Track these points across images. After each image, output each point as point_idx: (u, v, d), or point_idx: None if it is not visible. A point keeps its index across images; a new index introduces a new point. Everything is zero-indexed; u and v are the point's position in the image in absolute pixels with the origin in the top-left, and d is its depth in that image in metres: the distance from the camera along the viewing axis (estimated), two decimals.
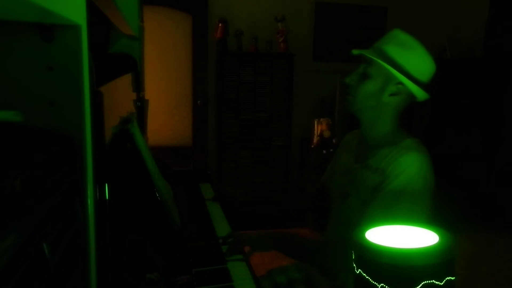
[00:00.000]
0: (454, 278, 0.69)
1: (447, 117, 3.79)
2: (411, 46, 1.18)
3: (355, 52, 1.22)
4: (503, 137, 3.83)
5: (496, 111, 3.83)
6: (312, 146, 3.66)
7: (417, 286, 0.66)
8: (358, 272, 0.73)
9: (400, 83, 1.17)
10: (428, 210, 1.14)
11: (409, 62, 1.17)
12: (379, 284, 0.68)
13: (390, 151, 1.17)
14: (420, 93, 1.18)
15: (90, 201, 0.61)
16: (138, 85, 1.63)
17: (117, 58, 1.34)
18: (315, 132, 3.64)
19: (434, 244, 0.70)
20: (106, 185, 0.72)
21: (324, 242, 1.38)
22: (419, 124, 3.78)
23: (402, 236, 0.77)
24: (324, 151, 3.51)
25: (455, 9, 4.15)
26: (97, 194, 0.63)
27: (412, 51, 1.18)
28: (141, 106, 1.68)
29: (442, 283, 0.67)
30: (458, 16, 4.11)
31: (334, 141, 3.56)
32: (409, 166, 1.12)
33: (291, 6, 3.84)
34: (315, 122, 3.64)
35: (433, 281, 0.67)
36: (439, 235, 0.73)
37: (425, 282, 0.66)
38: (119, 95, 1.38)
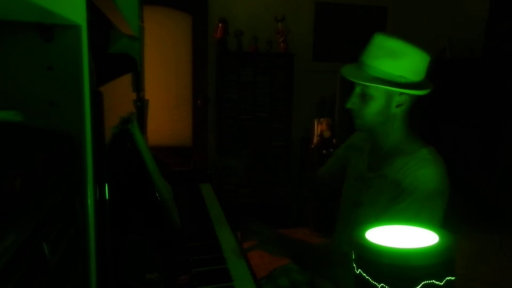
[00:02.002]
0: (454, 278, 0.69)
1: (447, 118, 3.79)
2: (401, 52, 1.14)
3: (347, 76, 1.18)
4: (503, 139, 3.82)
5: (496, 111, 3.82)
6: (312, 146, 3.66)
7: (417, 286, 0.66)
8: (358, 272, 0.73)
9: (403, 93, 1.17)
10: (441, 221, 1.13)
11: (405, 69, 1.14)
12: (379, 284, 0.68)
13: (406, 161, 1.15)
14: (423, 92, 1.17)
15: (90, 201, 0.61)
16: (138, 85, 1.63)
17: (117, 58, 1.34)
18: (315, 132, 3.64)
19: (434, 244, 0.70)
20: (106, 185, 0.72)
21: (332, 252, 1.34)
22: (418, 125, 3.77)
23: (402, 236, 0.77)
24: (324, 151, 3.51)
25: (455, 9, 4.15)
26: (97, 194, 0.63)
27: (403, 56, 1.14)
28: (141, 106, 1.68)
29: (442, 283, 0.67)
30: (458, 16, 4.11)
31: (334, 141, 3.56)
32: (428, 181, 1.10)
33: (291, 6, 3.84)
34: (315, 122, 3.64)
35: (433, 281, 0.67)
36: (439, 235, 0.73)
37: (425, 282, 0.66)
38: (119, 95, 1.38)
